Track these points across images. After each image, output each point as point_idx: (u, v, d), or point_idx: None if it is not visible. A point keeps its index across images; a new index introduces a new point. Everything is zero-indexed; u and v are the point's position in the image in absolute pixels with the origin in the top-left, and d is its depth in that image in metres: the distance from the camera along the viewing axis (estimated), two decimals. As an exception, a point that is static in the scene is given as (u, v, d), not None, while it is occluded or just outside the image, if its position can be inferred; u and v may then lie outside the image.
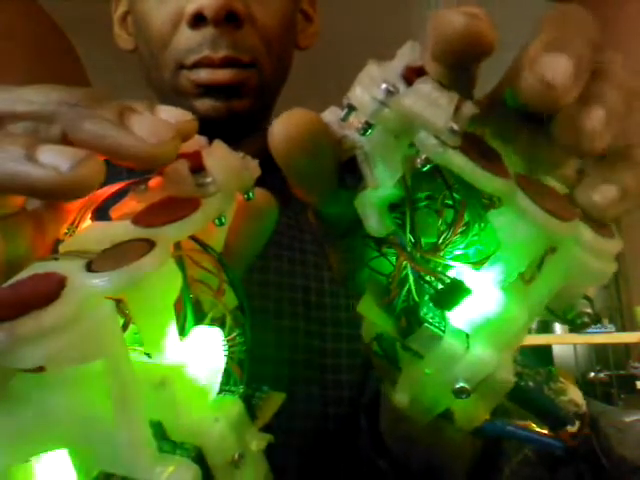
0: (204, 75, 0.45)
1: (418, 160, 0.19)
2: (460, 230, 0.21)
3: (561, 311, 0.22)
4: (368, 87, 0.20)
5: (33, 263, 0.18)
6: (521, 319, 0.20)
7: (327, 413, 0.44)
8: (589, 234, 0.20)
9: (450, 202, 0.21)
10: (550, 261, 0.21)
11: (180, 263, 0.20)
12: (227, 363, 0.20)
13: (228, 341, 0.20)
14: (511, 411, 0.23)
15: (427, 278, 0.21)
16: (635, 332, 2.36)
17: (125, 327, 0.19)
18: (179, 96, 0.47)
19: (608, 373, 2.44)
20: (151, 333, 0.18)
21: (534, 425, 0.24)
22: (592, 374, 2.46)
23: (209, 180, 0.20)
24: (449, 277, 0.21)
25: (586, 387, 2.38)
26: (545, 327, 2.37)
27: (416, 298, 0.22)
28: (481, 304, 0.20)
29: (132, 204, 0.22)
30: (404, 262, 0.21)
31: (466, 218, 0.21)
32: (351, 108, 0.20)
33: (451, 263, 0.21)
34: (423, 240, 0.22)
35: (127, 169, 0.20)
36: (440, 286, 0.21)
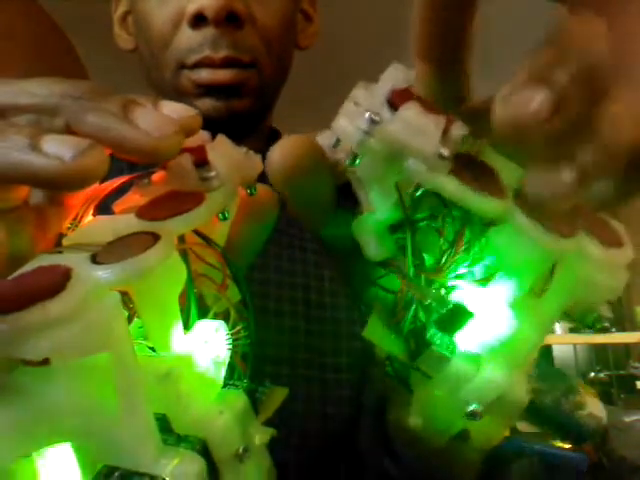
0: (205, 75, 0.45)
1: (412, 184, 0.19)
2: (462, 248, 0.20)
3: (579, 315, 0.21)
4: (352, 117, 0.19)
5: (38, 256, 0.18)
6: (532, 338, 0.20)
7: (327, 412, 0.44)
8: (595, 248, 0.19)
9: (450, 220, 0.21)
10: (557, 277, 0.20)
11: (184, 257, 0.20)
12: (231, 357, 0.20)
13: (232, 335, 0.20)
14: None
15: (429, 302, 0.21)
16: (635, 332, 2.36)
17: (129, 320, 0.19)
18: (179, 96, 0.47)
19: (608, 373, 2.44)
20: (156, 326, 0.18)
21: (555, 440, 0.23)
22: (592, 374, 2.46)
23: (213, 174, 0.20)
24: (450, 302, 0.20)
25: (586, 387, 2.37)
26: (545, 328, 2.36)
27: (422, 320, 0.21)
28: (490, 324, 0.20)
29: (135, 198, 0.22)
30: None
31: (467, 236, 0.21)
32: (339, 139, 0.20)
33: (455, 282, 0.21)
34: (427, 258, 0.21)
35: (128, 165, 0.19)
36: (443, 310, 0.20)
